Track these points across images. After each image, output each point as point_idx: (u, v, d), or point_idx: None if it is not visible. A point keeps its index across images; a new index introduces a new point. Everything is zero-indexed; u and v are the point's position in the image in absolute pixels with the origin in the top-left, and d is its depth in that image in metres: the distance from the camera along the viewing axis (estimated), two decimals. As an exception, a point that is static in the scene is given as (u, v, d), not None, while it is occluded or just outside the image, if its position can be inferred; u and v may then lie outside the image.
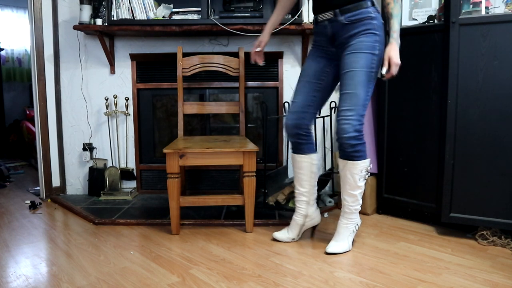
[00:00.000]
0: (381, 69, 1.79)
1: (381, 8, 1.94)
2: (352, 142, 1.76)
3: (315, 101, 1.93)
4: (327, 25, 1.84)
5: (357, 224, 1.94)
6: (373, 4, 1.77)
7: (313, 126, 2.03)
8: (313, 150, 2.00)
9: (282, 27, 2.57)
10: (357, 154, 1.79)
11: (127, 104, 2.88)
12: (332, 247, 1.88)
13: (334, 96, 2.88)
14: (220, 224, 2.30)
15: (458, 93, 2.01)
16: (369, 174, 1.87)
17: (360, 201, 1.89)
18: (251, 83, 2.87)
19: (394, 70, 1.77)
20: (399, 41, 1.77)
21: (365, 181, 1.86)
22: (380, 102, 2.41)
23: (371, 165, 1.87)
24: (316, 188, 2.04)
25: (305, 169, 1.97)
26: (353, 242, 1.94)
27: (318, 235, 2.13)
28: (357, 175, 1.82)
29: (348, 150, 1.79)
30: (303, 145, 1.96)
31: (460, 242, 2.02)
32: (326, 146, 2.89)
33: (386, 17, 1.82)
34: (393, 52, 1.76)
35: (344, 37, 1.80)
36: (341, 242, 1.89)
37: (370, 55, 1.75)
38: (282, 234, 2.04)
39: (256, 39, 2.83)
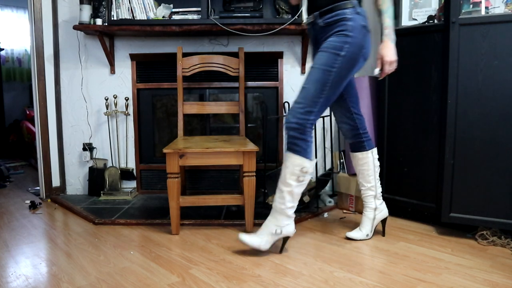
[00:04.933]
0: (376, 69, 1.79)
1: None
2: (291, 133, 1.74)
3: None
4: (310, 29, 1.89)
5: (281, 229, 1.80)
6: (353, 6, 1.75)
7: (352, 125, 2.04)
8: (372, 145, 2.03)
9: (282, 27, 2.57)
10: (293, 147, 1.75)
11: (127, 104, 2.88)
12: (244, 236, 1.83)
13: (334, 96, 2.89)
14: (220, 224, 2.30)
15: (458, 93, 2.01)
16: (306, 178, 1.77)
17: (288, 204, 1.78)
18: (251, 83, 2.87)
19: (387, 68, 1.76)
20: (393, 37, 1.76)
21: (298, 183, 1.76)
22: (380, 102, 2.41)
23: (310, 171, 1.77)
24: (379, 181, 2.06)
25: (369, 165, 2.01)
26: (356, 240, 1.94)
27: (319, 235, 2.14)
28: (288, 169, 1.76)
29: (287, 140, 1.77)
30: (363, 142, 2.01)
31: (460, 242, 2.02)
32: (326, 146, 2.89)
33: (378, 14, 1.81)
34: (385, 50, 1.76)
35: (323, 40, 1.80)
36: (254, 236, 1.82)
37: (334, 55, 1.72)
38: (356, 233, 2.04)
39: (256, 39, 2.84)
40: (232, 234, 2.16)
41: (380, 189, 2.06)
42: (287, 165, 1.77)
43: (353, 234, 2.05)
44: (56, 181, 2.97)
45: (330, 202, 2.66)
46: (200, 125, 3.00)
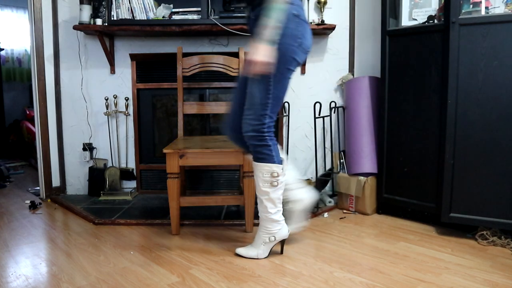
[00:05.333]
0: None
1: None
2: (251, 142, 1.72)
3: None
4: (247, 23, 1.80)
5: (273, 236, 1.79)
6: None
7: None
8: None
9: (282, 27, 2.57)
10: (258, 155, 1.73)
11: (127, 104, 2.88)
12: (241, 248, 1.85)
13: (334, 96, 2.89)
14: (220, 224, 2.30)
15: (458, 93, 2.01)
16: (279, 180, 1.74)
17: (271, 211, 1.76)
18: (251, 83, 2.87)
19: (247, 67, 1.62)
20: (265, 37, 1.56)
21: (274, 188, 1.74)
22: (380, 102, 2.41)
23: (281, 172, 1.74)
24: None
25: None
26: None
27: (319, 235, 2.14)
28: (259, 178, 1.74)
29: (250, 150, 1.75)
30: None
31: (460, 242, 2.02)
32: (326, 146, 2.89)
33: None
34: (250, 49, 1.60)
35: (254, 34, 1.68)
36: (250, 248, 1.84)
37: None
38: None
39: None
40: (232, 234, 2.16)
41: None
42: (257, 174, 1.75)
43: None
44: (56, 181, 2.97)
45: (330, 202, 2.66)
46: (200, 125, 3.00)
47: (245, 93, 1.75)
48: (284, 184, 1.80)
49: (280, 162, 1.75)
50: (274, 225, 1.79)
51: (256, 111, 1.68)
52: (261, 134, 1.70)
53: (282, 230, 1.81)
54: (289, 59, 1.66)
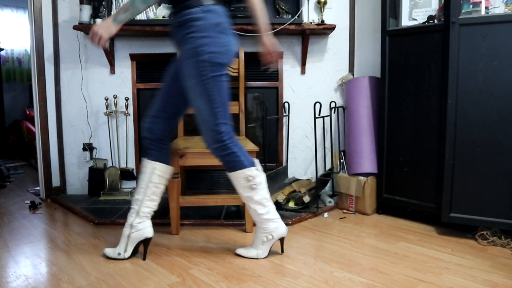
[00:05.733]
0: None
1: None
2: (216, 154, 1.72)
3: (167, 107, 1.81)
4: (171, 28, 1.75)
5: (271, 234, 1.79)
6: (201, 4, 1.59)
7: (170, 134, 1.88)
8: (161, 159, 1.83)
9: (282, 27, 2.57)
10: (228, 165, 1.73)
11: (127, 104, 2.88)
12: (241, 249, 1.86)
13: (334, 96, 2.89)
14: (220, 224, 2.30)
15: (458, 93, 2.01)
16: (257, 181, 1.73)
17: (261, 211, 1.76)
18: (251, 83, 2.87)
19: (91, 37, 1.64)
20: (114, 22, 1.62)
21: (254, 190, 1.73)
22: (380, 102, 2.41)
23: (256, 174, 1.74)
24: (155, 203, 1.84)
25: (144, 175, 1.83)
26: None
27: (319, 235, 2.14)
28: (238, 186, 1.75)
29: (220, 161, 1.75)
30: (150, 150, 1.84)
31: (460, 242, 2.02)
32: (326, 146, 2.89)
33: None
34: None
35: (178, 41, 1.69)
36: (250, 248, 1.84)
37: (196, 63, 1.61)
38: (111, 250, 1.84)
39: (256, 39, 2.83)
40: (232, 234, 2.16)
41: (147, 210, 1.81)
42: (235, 183, 1.76)
43: (107, 250, 1.85)
44: (56, 181, 2.97)
45: (330, 202, 2.66)
46: (200, 125, 3.00)
47: (169, 98, 1.79)
48: (265, 182, 1.77)
49: (251, 164, 1.74)
50: (270, 224, 1.79)
51: (209, 124, 1.68)
52: (222, 143, 1.69)
53: (279, 228, 1.80)
54: (220, 67, 1.65)
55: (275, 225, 1.79)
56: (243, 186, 1.74)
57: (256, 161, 1.79)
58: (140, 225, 1.80)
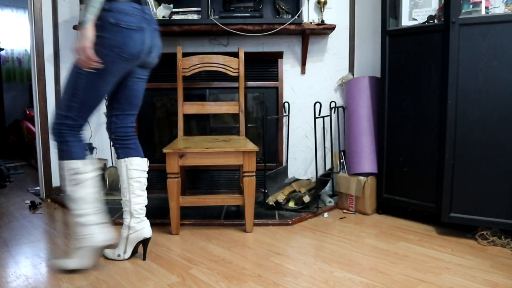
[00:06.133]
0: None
1: None
2: (52, 138, 1.68)
3: (113, 105, 1.84)
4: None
5: (83, 241, 1.64)
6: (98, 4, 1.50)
7: (131, 129, 1.91)
8: (129, 155, 1.85)
9: (282, 27, 2.57)
10: (59, 153, 1.67)
11: (127, 104, 2.88)
12: (60, 260, 1.70)
13: (334, 96, 2.89)
14: (220, 224, 2.30)
15: (458, 93, 2.01)
16: (80, 178, 1.65)
17: (77, 212, 1.63)
18: (251, 83, 2.87)
19: (77, 58, 1.56)
20: (85, 27, 1.49)
21: (76, 185, 1.65)
22: (380, 102, 2.41)
23: (82, 170, 1.67)
24: (143, 198, 1.81)
25: (122, 175, 1.82)
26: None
27: (319, 235, 2.14)
28: (65, 176, 1.67)
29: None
30: (116, 149, 1.87)
31: (460, 242, 2.02)
32: (326, 146, 2.89)
33: None
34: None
35: None
36: (66, 259, 1.71)
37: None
38: (109, 250, 1.84)
39: (256, 39, 2.84)
40: (232, 234, 2.16)
41: (138, 207, 1.79)
42: (64, 173, 1.66)
43: (107, 251, 1.84)
44: (56, 181, 2.97)
45: (330, 202, 2.66)
46: (200, 125, 3.00)
47: (112, 94, 1.80)
48: (95, 183, 1.69)
49: (81, 157, 1.68)
50: (83, 229, 1.64)
51: (61, 109, 1.64)
52: (60, 131, 1.64)
53: (94, 236, 1.65)
54: (104, 70, 1.59)
55: (90, 231, 1.64)
56: (68, 179, 1.66)
57: (89, 158, 1.71)
58: (138, 225, 1.79)
